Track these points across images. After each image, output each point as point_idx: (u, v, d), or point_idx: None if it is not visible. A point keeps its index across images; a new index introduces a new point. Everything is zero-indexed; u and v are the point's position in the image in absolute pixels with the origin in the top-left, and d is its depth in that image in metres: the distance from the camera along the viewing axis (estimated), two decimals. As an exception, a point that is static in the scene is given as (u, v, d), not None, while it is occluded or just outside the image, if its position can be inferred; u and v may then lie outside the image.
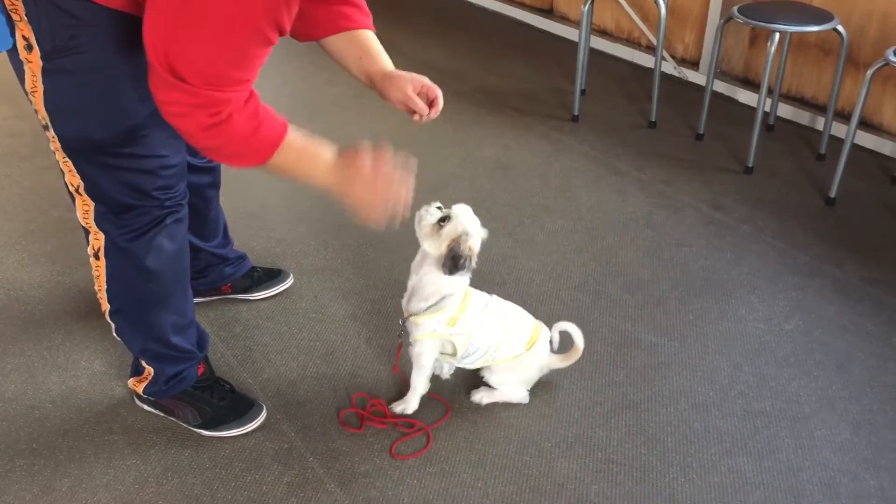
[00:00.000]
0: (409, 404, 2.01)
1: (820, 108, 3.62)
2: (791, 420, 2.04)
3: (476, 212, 1.86)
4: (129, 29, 1.42)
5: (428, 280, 1.90)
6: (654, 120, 3.64)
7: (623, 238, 2.80)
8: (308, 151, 1.53)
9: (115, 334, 1.88)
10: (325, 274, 2.56)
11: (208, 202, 2.15)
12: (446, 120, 3.39)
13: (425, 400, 2.03)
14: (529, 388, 2.06)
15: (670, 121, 3.67)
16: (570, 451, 1.93)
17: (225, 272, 2.35)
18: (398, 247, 2.61)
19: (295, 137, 1.49)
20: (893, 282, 2.58)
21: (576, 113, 3.68)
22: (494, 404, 2.06)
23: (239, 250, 2.39)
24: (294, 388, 2.10)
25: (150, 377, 1.92)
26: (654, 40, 4.19)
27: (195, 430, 1.96)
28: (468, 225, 1.84)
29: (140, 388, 1.95)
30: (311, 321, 2.36)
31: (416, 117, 1.73)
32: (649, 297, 2.49)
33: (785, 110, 3.69)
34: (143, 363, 1.91)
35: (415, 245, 1.86)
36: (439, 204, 1.88)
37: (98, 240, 1.71)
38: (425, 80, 1.73)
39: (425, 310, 1.92)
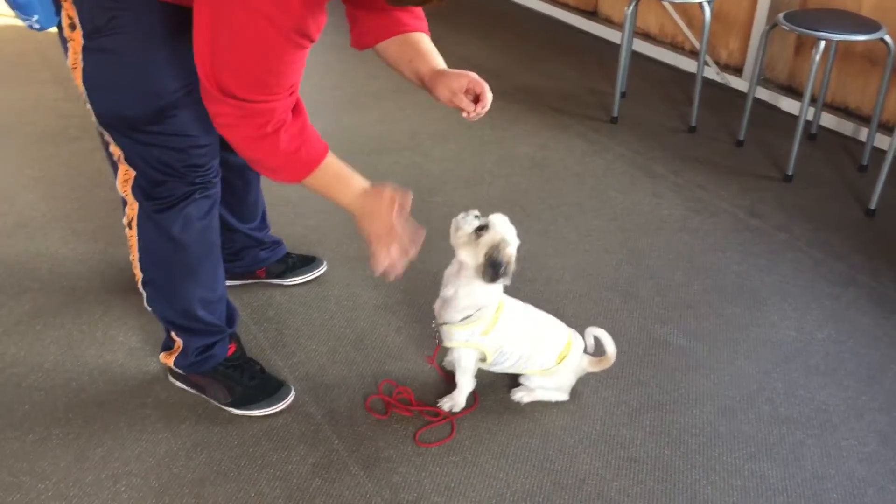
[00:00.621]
0: (457, 402, 2.01)
1: (864, 119, 3.58)
2: (818, 428, 2.02)
3: (510, 209, 1.88)
4: (165, 16, 1.51)
5: (464, 292, 1.88)
6: (694, 125, 3.62)
7: (656, 240, 2.79)
8: (341, 177, 1.63)
9: (145, 304, 1.93)
10: (357, 263, 2.59)
11: (248, 184, 2.19)
12: (485, 117, 3.43)
13: (447, 391, 2.05)
14: (566, 398, 2.07)
15: (710, 126, 3.65)
16: (593, 448, 1.94)
17: (260, 256, 2.40)
18: (429, 240, 2.63)
19: (332, 161, 1.60)
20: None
21: (615, 115, 3.67)
22: (534, 403, 2.07)
23: (275, 236, 2.44)
24: (323, 373, 2.14)
25: (179, 350, 1.97)
26: (697, 45, 4.17)
27: (225, 407, 2.00)
28: (506, 233, 1.83)
29: (171, 362, 2.00)
30: (342, 308, 2.39)
31: (465, 114, 1.75)
32: (680, 300, 2.48)
33: (828, 120, 3.65)
34: (173, 336, 1.96)
35: (445, 237, 1.88)
36: (477, 212, 1.86)
37: (132, 209, 1.76)
38: (472, 75, 1.74)
39: (459, 321, 1.91)
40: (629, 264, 2.66)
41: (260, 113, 1.44)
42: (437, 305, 1.98)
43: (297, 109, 1.52)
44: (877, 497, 1.84)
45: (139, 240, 1.81)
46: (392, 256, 1.66)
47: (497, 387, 2.10)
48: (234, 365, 2.02)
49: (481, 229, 1.82)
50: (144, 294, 1.92)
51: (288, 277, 2.47)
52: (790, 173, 3.22)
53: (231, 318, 2.02)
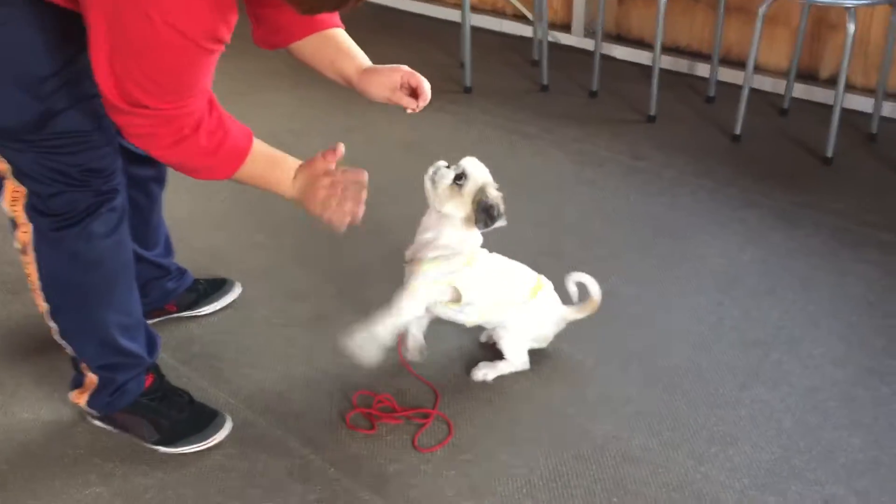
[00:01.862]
0: (377, 334, 1.77)
1: (695, 55, 3.75)
2: (787, 344, 2.07)
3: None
4: (42, 14, 1.34)
5: (447, 234, 1.80)
6: (545, 83, 3.64)
7: (561, 198, 2.76)
8: (274, 163, 1.53)
9: (57, 338, 1.66)
10: (270, 276, 2.34)
11: (152, 201, 1.92)
12: (338, 104, 3.25)
13: (426, 390, 1.90)
14: (545, 346, 1.97)
15: (560, 83, 3.68)
16: (597, 412, 1.86)
17: (167, 287, 2.10)
18: (339, 237, 2.44)
19: (260, 148, 1.49)
20: (821, 203, 2.69)
21: (468, 84, 3.61)
22: (500, 380, 1.95)
23: (178, 263, 2.14)
24: (285, 400, 1.90)
25: (93, 387, 1.71)
26: (521, 9, 4.20)
27: (153, 447, 1.73)
28: (484, 176, 1.77)
29: (83, 401, 1.74)
30: (275, 327, 2.14)
31: (409, 110, 1.68)
32: (608, 250, 2.46)
33: (665, 61, 3.79)
34: (86, 371, 1.70)
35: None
36: (444, 163, 1.79)
37: (26, 232, 1.54)
38: (404, 68, 1.66)
39: (431, 259, 1.79)
40: (545, 227, 2.60)
41: (176, 118, 1.35)
42: (408, 251, 1.85)
43: (211, 103, 1.42)
44: (868, 395, 1.90)
45: (39, 265, 1.57)
46: (345, 207, 1.53)
47: (463, 372, 1.96)
48: (158, 397, 1.77)
49: (460, 178, 1.75)
50: (55, 327, 1.65)
51: (202, 306, 2.18)
52: (652, 114, 3.31)
53: (151, 345, 1.77)
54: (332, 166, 1.53)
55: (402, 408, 1.86)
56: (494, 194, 1.77)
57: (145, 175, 1.84)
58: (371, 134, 3.19)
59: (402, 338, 1.94)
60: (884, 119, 3.14)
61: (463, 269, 1.81)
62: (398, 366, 1.97)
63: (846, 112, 3.02)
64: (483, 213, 1.74)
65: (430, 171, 1.80)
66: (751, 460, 1.72)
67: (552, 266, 2.32)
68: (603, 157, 3.01)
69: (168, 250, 2.07)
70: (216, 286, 2.22)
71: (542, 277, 1.93)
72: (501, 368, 1.95)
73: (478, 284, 1.83)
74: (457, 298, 1.84)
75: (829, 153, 2.94)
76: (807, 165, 2.96)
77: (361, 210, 1.53)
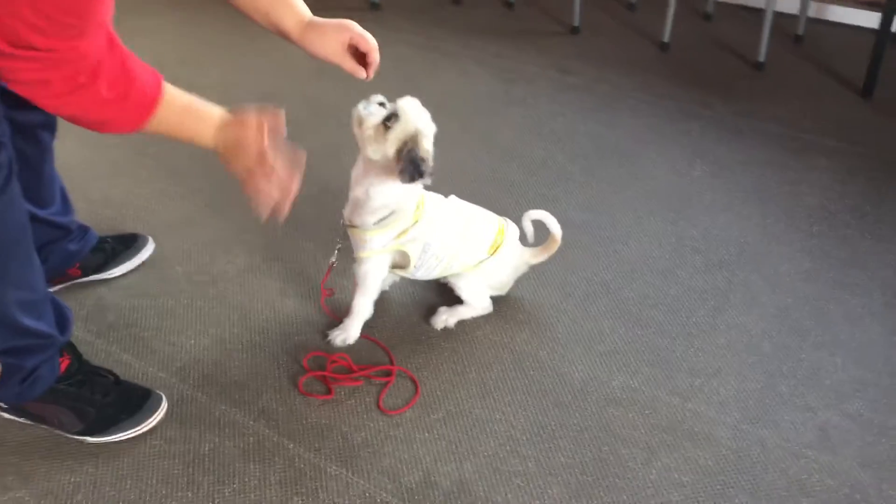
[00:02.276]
0: (350, 332, 1.71)
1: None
2: (752, 263, 1.98)
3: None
4: None
5: (376, 192, 1.59)
6: (458, -5, 3.40)
7: (494, 120, 2.57)
8: (191, 111, 1.32)
9: None
10: (186, 228, 2.07)
11: (43, 150, 1.63)
12: (230, 30, 2.93)
13: (371, 346, 1.71)
14: (505, 293, 1.81)
15: (473, -6, 3.44)
16: (569, 354, 1.72)
17: (69, 249, 1.82)
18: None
19: (174, 95, 1.28)
20: (760, 110, 2.60)
21: (375, 1, 3.33)
22: (462, 325, 1.78)
23: (80, 221, 1.85)
24: (223, 369, 1.68)
25: None
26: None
27: (77, 437, 1.50)
28: (419, 122, 1.52)
29: None
30: (199, 286, 1.90)
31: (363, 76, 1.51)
32: (553, 174, 2.30)
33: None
34: None
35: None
36: (381, 98, 1.56)
37: None
38: (354, 28, 1.50)
39: (374, 224, 1.60)
40: (482, 152, 2.41)
41: (67, 61, 1.12)
42: (346, 210, 1.66)
43: (111, 43, 1.18)
44: (838, 309, 1.84)
45: None
46: (272, 195, 1.35)
47: (421, 321, 1.78)
48: (78, 380, 1.52)
49: (390, 119, 1.52)
50: None
51: (111, 268, 1.91)
52: (576, 24, 3.13)
53: (63, 322, 1.51)
54: (265, 140, 1.32)
55: (360, 366, 1.67)
56: (425, 147, 1.52)
57: (33, 121, 1.55)
58: (276, 60, 2.89)
59: (329, 270, 1.74)
60: (811, 20, 3.06)
61: (410, 230, 1.61)
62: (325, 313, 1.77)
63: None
64: (409, 164, 1.48)
65: (360, 105, 1.56)
66: (738, 391, 1.62)
67: (497, 196, 2.16)
68: (531, 74, 2.82)
69: (66, 207, 1.79)
70: (125, 243, 1.94)
71: (506, 222, 1.75)
72: (462, 313, 1.78)
73: (432, 244, 1.64)
74: (405, 264, 1.66)
75: (761, 58, 2.84)
76: (739, 72, 2.86)
77: (289, 204, 1.37)
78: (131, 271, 1.92)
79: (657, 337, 1.76)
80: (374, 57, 1.50)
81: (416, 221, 1.63)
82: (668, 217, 2.12)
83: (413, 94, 1.58)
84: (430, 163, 1.54)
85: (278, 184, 1.34)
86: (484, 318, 1.79)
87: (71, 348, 1.54)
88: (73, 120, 1.23)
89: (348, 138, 1.59)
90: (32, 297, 1.42)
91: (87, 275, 1.88)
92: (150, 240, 1.98)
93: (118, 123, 1.25)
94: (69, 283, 1.86)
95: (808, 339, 1.75)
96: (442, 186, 2.01)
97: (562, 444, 1.52)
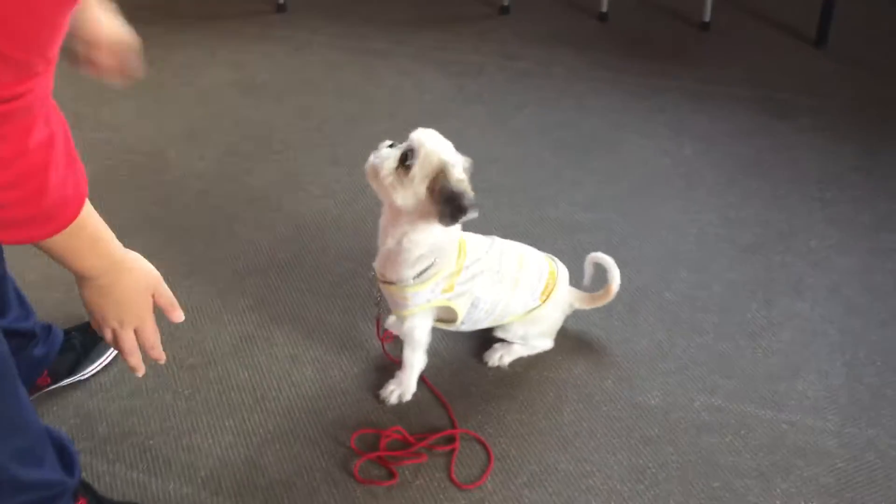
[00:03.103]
0: (406, 386, 1.52)
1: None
2: (781, 242, 1.89)
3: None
4: None
5: (412, 241, 1.37)
6: (371, -13, 3.15)
7: (455, 122, 2.37)
8: (103, 230, 0.99)
9: None
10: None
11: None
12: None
13: (431, 401, 1.52)
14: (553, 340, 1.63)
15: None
16: (638, 378, 1.57)
17: (35, 357, 1.51)
18: (234, 232, 1.93)
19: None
20: (725, 76, 2.52)
21: (280, 1, 3.04)
22: (512, 366, 1.59)
23: (42, 320, 1.55)
24: (259, 469, 1.43)
25: None
26: None
27: None
28: (442, 152, 1.32)
29: None
30: (195, 370, 1.62)
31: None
32: (541, 173, 2.13)
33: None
34: None
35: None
36: (389, 141, 1.36)
37: None
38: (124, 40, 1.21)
39: (415, 278, 1.39)
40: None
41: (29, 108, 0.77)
42: (378, 263, 1.44)
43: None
44: (886, 279, 1.75)
45: None
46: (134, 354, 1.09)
47: (472, 365, 1.59)
48: None
49: (407, 157, 1.31)
50: None
51: (85, 367, 1.61)
52: (506, 3, 2.95)
53: (68, 459, 1.24)
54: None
55: (417, 436, 1.46)
56: (457, 177, 1.30)
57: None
58: (189, 81, 2.57)
59: (379, 321, 1.54)
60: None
61: (456, 282, 1.42)
62: (384, 377, 1.55)
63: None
64: (447, 204, 1.27)
65: (371, 157, 1.35)
66: (825, 390, 1.52)
67: (490, 205, 1.97)
68: (477, 64, 2.62)
69: (24, 308, 1.48)
70: (96, 336, 1.64)
71: (557, 265, 1.56)
72: (519, 351, 1.60)
73: (482, 298, 1.45)
74: (451, 318, 1.46)
75: (706, 17, 2.75)
76: (687, 35, 2.76)
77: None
78: (107, 366, 1.63)
79: (719, 342, 1.63)
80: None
81: (460, 270, 1.42)
82: (677, 205, 1.99)
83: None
84: (470, 193, 1.33)
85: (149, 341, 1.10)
86: (534, 359, 1.61)
87: (85, 489, 1.27)
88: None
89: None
90: (27, 441, 1.15)
91: (58, 381, 1.58)
92: (122, 324, 1.67)
93: (44, 223, 0.87)
94: (39, 394, 1.55)
95: (870, 317, 1.67)
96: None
97: (669, 488, 1.36)
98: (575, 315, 1.64)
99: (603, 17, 2.84)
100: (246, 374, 1.59)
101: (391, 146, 1.35)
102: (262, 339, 1.66)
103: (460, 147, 1.34)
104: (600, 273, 1.59)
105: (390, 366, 1.56)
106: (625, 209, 1.98)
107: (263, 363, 1.61)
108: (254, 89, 2.53)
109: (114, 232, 1.00)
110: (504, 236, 1.53)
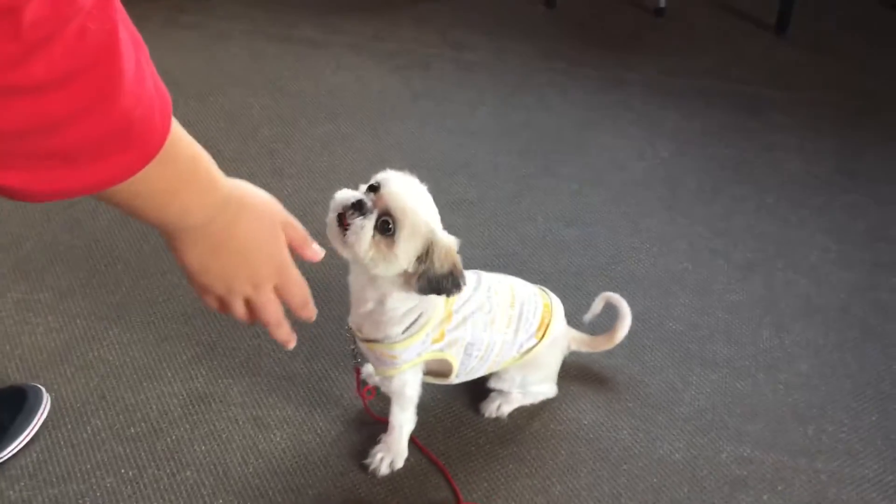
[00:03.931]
0: (398, 452, 1.31)
1: None
2: (779, 257, 1.75)
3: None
4: None
5: (395, 300, 1.14)
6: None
7: (406, 123, 2.14)
8: (198, 148, 0.64)
9: None
10: (82, 354, 1.50)
11: None
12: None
13: (424, 465, 1.30)
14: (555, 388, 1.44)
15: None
16: (655, 428, 1.40)
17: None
18: (166, 265, 1.66)
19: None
20: (684, 65, 2.38)
21: (196, -15, 2.71)
22: (513, 419, 1.41)
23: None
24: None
25: None
26: None
27: None
28: (428, 215, 1.08)
29: None
30: (138, 443, 1.36)
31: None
32: (511, 182, 1.94)
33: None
34: None
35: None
36: (351, 195, 1.07)
37: None
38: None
39: (403, 332, 1.17)
40: (415, 167, 1.97)
41: None
42: (354, 322, 1.22)
43: None
44: (893, 297, 1.65)
45: None
46: (278, 315, 0.76)
47: (467, 419, 1.39)
48: None
49: (388, 226, 1.05)
50: None
51: (6, 445, 1.33)
52: (446, -12, 2.72)
53: None
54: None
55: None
56: (445, 252, 1.06)
57: None
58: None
59: (358, 374, 1.31)
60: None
61: (447, 329, 1.21)
62: (368, 439, 1.33)
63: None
64: (438, 288, 1.07)
65: (331, 214, 1.07)
66: (858, 433, 1.39)
67: (467, 223, 1.76)
68: (423, 56, 2.39)
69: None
70: (10, 407, 1.36)
71: (550, 297, 1.35)
72: (520, 399, 1.40)
73: (475, 343, 1.24)
74: (445, 372, 1.25)
75: (662, 3, 2.59)
76: (641, 22, 2.60)
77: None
78: (29, 443, 1.34)
79: (735, 379, 1.47)
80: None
81: (450, 315, 1.21)
82: (664, 217, 1.83)
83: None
84: (460, 267, 1.10)
85: (300, 293, 0.77)
86: (536, 408, 1.42)
87: None
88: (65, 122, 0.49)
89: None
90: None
91: (-31, 469, 1.29)
92: (43, 391, 1.39)
93: (137, 141, 0.54)
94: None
95: (886, 342, 1.54)
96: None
97: (712, 563, 1.20)
98: (574, 353, 1.45)
99: (550, 3, 2.65)
100: (202, 446, 1.34)
101: (357, 205, 1.06)
102: (216, 399, 1.41)
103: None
104: (606, 311, 1.40)
105: (373, 424, 1.34)
106: (609, 222, 1.81)
107: (222, 429, 1.36)
108: (167, 87, 2.22)
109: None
110: (482, 257, 1.33)
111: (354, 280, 1.16)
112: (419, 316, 1.18)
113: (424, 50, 2.41)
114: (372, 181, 1.09)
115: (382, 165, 1.91)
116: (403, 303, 1.15)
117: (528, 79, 2.29)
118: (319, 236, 0.87)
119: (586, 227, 1.79)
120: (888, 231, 1.79)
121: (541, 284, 1.36)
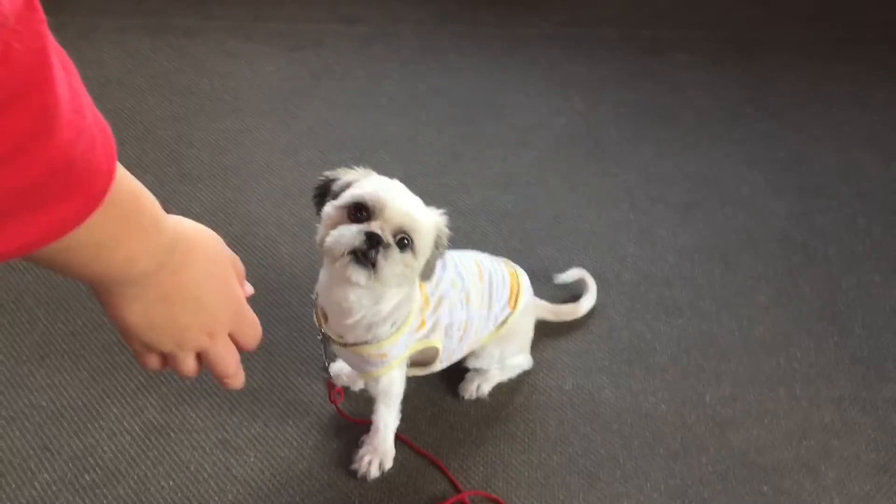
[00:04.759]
0: (385, 452, 1.25)
1: None
2: (714, 189, 1.75)
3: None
4: None
5: (389, 300, 1.09)
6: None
7: (312, 106, 2.03)
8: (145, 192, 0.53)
9: None
10: (14, 391, 1.35)
11: None
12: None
13: (416, 460, 1.24)
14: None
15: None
16: (639, 383, 1.38)
17: None
18: (86, 291, 1.51)
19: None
20: (607, 16, 2.35)
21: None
22: (498, 391, 1.36)
23: None
24: None
25: None
26: None
27: None
28: (428, 213, 1.06)
29: None
30: (97, 492, 1.23)
31: None
32: (438, 158, 1.88)
33: None
34: None
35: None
36: (361, 229, 0.98)
37: None
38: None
39: (391, 329, 1.12)
40: (333, 154, 1.89)
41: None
42: (333, 330, 1.12)
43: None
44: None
45: None
46: (234, 360, 0.65)
47: (448, 405, 1.34)
48: None
49: (405, 242, 1.00)
50: None
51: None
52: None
53: None
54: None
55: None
56: (443, 227, 1.07)
57: None
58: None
59: (330, 385, 1.24)
60: None
61: (427, 315, 1.15)
62: (348, 444, 1.25)
63: None
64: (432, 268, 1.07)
65: (343, 258, 0.98)
66: (825, 355, 1.41)
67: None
68: (314, 34, 2.28)
69: None
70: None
71: (517, 268, 1.31)
72: (498, 376, 1.36)
73: (454, 323, 1.19)
74: (429, 360, 1.19)
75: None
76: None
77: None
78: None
79: (701, 321, 1.48)
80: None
81: (427, 299, 1.15)
82: (596, 169, 1.82)
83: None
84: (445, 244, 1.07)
85: (252, 339, 0.65)
86: (515, 383, 1.37)
87: None
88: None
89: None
90: None
91: None
92: (-26, 450, 1.24)
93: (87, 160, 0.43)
94: None
95: (829, 263, 1.58)
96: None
97: (717, 502, 1.20)
98: (540, 323, 1.42)
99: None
100: (169, 482, 1.23)
101: (375, 242, 0.98)
102: (174, 428, 1.29)
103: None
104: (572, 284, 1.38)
105: (350, 426, 1.27)
106: (543, 182, 1.77)
107: (188, 460, 1.25)
108: (113, 83, 2.02)
109: None
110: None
111: (341, 294, 1.07)
112: (405, 314, 1.12)
113: (314, 27, 2.29)
114: (352, 199, 1.00)
115: (298, 154, 1.81)
116: (395, 297, 1.09)
117: (429, 45, 2.22)
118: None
119: (522, 190, 1.75)
120: (806, 155, 1.84)
121: (488, 254, 1.30)
